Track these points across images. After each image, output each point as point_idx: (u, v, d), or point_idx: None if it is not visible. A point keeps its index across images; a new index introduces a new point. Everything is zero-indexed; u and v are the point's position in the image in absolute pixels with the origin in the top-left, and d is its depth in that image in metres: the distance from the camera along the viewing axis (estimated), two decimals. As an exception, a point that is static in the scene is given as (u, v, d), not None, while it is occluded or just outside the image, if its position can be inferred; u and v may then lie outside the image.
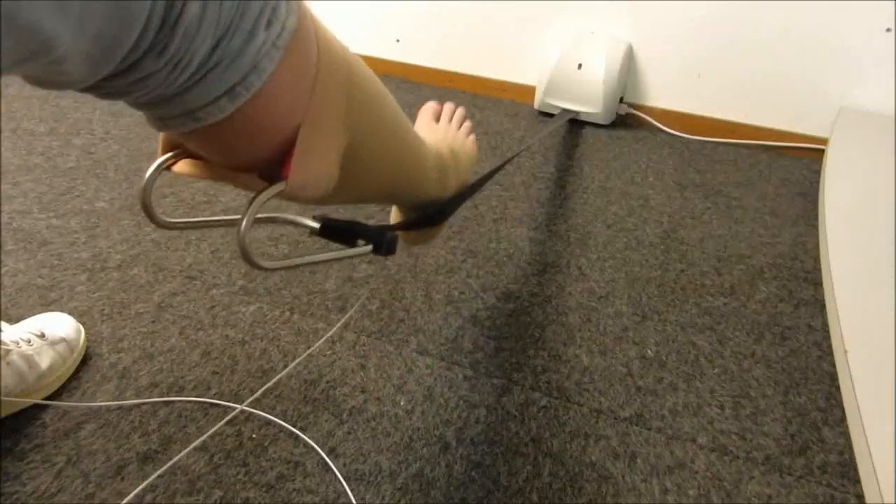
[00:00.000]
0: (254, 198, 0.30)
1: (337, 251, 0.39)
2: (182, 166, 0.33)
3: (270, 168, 0.31)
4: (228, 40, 0.24)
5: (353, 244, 0.40)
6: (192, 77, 0.24)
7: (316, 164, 0.32)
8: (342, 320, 0.88)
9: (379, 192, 0.46)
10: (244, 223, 0.30)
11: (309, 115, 0.30)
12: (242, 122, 0.27)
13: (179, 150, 0.33)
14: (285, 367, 0.80)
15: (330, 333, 0.85)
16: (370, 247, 0.40)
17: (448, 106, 0.74)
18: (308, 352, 0.82)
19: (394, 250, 0.42)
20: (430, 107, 0.72)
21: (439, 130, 0.68)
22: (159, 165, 0.32)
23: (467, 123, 0.74)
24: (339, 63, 0.31)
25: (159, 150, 0.33)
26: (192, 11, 0.21)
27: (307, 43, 0.28)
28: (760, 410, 0.79)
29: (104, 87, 0.24)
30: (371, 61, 1.47)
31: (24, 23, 0.17)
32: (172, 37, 0.22)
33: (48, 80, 0.21)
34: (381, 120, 0.39)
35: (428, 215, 0.58)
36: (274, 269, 0.35)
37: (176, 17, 0.21)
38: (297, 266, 0.36)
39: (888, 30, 1.31)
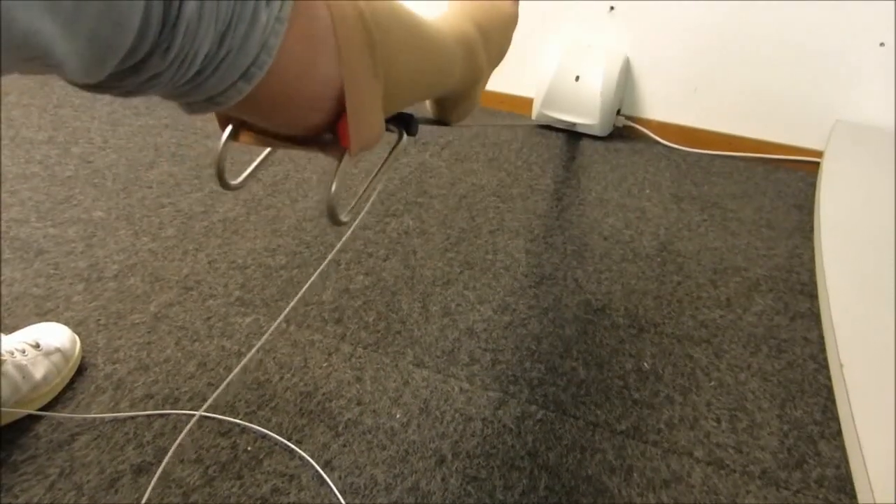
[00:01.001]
0: (336, 170, 0.34)
1: (385, 164, 0.43)
2: (245, 138, 0.36)
3: (322, 132, 0.33)
4: (233, 30, 0.24)
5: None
6: (202, 71, 0.25)
7: (367, 127, 0.34)
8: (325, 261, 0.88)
9: (409, 102, 0.47)
10: (333, 190, 0.34)
11: (346, 82, 0.31)
12: (263, 98, 0.28)
13: (234, 122, 0.36)
14: (281, 378, 0.80)
15: (316, 273, 0.85)
16: (405, 136, 0.45)
17: None
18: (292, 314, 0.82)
19: (416, 131, 0.47)
20: None
21: None
22: (228, 137, 0.36)
23: None
24: (348, 9, 0.31)
25: (219, 123, 0.36)
26: (189, 10, 0.22)
27: (310, 5, 0.29)
28: (757, 424, 0.79)
29: (117, 87, 0.24)
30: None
31: (20, 24, 0.17)
32: (174, 36, 0.22)
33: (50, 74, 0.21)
34: (400, 40, 0.39)
35: (438, 120, 0.60)
36: (354, 221, 0.38)
37: (175, 17, 0.22)
38: (369, 202, 0.38)
39: (881, 44, 1.32)
